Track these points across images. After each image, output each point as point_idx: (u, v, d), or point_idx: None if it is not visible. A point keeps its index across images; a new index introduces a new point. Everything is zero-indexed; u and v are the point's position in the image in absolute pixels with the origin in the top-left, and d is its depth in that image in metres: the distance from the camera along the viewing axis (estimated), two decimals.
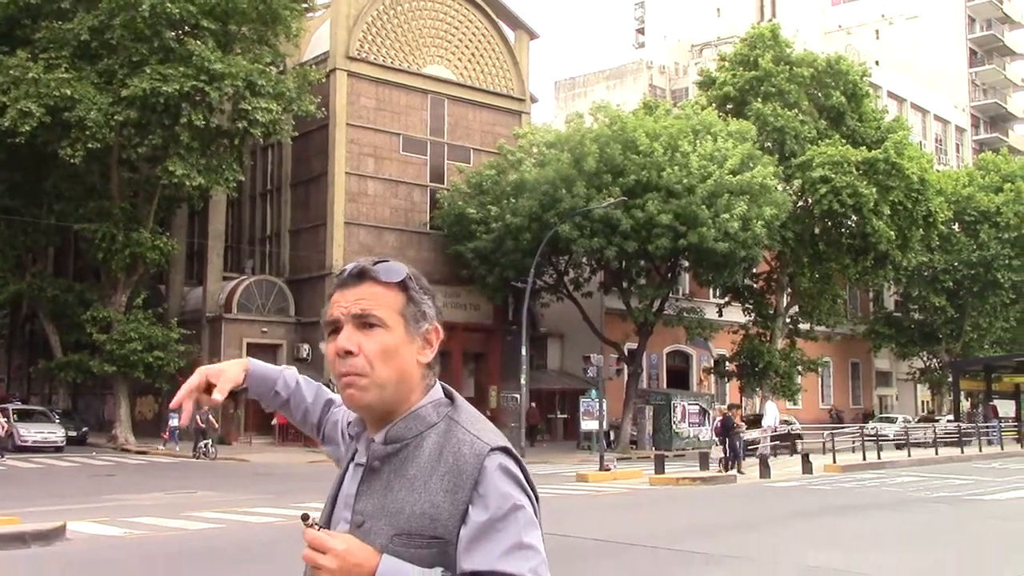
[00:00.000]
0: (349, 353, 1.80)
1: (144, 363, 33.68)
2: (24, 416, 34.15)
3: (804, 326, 44.30)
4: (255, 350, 35.99)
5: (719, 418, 28.82)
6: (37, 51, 31.44)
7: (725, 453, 27.13)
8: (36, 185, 35.78)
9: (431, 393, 1.87)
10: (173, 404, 2.09)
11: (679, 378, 46.65)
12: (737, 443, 26.98)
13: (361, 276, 1.85)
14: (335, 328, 1.83)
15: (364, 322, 1.81)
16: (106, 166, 34.34)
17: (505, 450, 1.79)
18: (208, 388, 2.08)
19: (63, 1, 31.98)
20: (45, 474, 23.44)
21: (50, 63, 30.89)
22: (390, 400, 1.82)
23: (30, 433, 32.67)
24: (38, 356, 42.72)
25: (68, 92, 30.13)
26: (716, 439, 28.48)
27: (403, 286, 1.84)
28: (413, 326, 1.82)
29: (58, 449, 32.02)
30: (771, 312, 42.76)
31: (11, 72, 30.86)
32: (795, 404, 46.75)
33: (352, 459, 1.94)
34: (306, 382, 2.25)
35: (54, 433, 33.02)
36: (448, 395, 1.94)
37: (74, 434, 34.29)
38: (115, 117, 30.94)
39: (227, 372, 2.11)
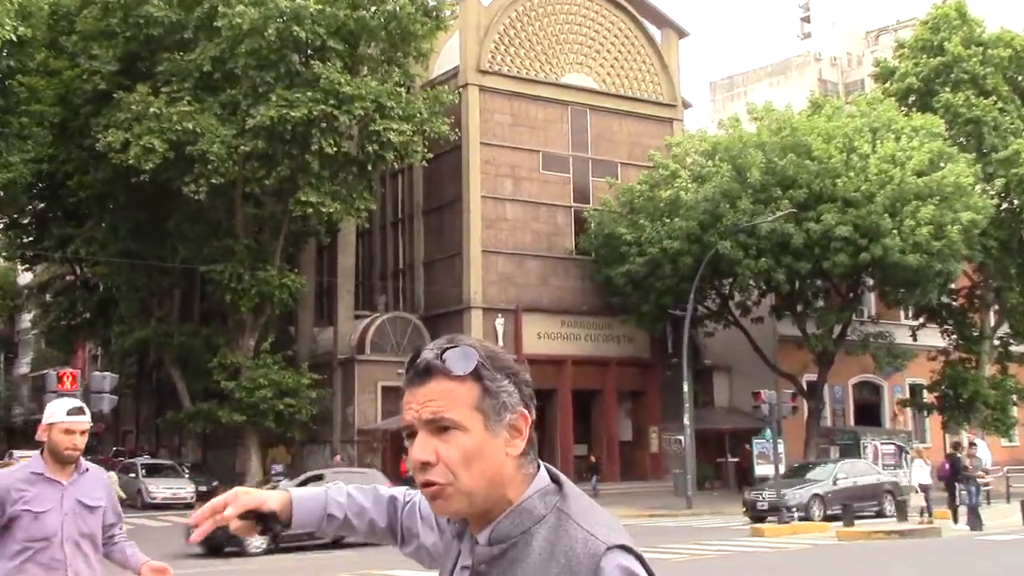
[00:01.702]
0: (427, 464, 1.81)
1: (275, 411, 34.64)
2: (153, 471, 35.81)
3: (1017, 348, 42.86)
4: (391, 394, 36.97)
5: (945, 461, 27.60)
6: (159, 85, 33.17)
7: (954, 502, 25.85)
8: (159, 226, 37.41)
9: (536, 481, 1.84)
10: (191, 520, 2.14)
11: (869, 413, 45.41)
12: (972, 489, 25.09)
13: (428, 373, 1.84)
14: (411, 432, 1.85)
15: (438, 426, 1.82)
16: (230, 201, 35.80)
17: (624, 548, 1.76)
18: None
19: (184, 31, 33.59)
20: (171, 533, 23.99)
21: (172, 96, 32.55)
22: (482, 504, 1.82)
23: (159, 489, 34.03)
24: (166, 406, 44.22)
25: (191, 126, 31.84)
26: (924, 483, 26.57)
27: (476, 376, 1.82)
28: (494, 419, 1.81)
29: (188, 506, 32.96)
30: (975, 334, 41.66)
31: (133, 108, 32.75)
32: (1011, 441, 45.20)
33: (456, 562, 1.93)
34: (360, 491, 2.22)
35: (183, 488, 34.39)
36: (555, 479, 1.91)
37: (204, 489, 35.19)
38: (239, 149, 32.28)
39: (263, 499, 2.09)
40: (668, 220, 35.63)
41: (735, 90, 63.75)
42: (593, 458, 39.15)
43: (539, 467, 1.85)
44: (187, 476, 36.25)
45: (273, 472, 32.54)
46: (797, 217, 33.04)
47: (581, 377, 39.96)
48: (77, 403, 4.88)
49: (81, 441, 4.81)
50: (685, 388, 32.60)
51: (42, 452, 4.88)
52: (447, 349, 1.83)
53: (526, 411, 1.84)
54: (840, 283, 36.24)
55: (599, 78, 42.24)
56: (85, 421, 4.80)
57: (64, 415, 4.76)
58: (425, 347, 1.87)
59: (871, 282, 36.51)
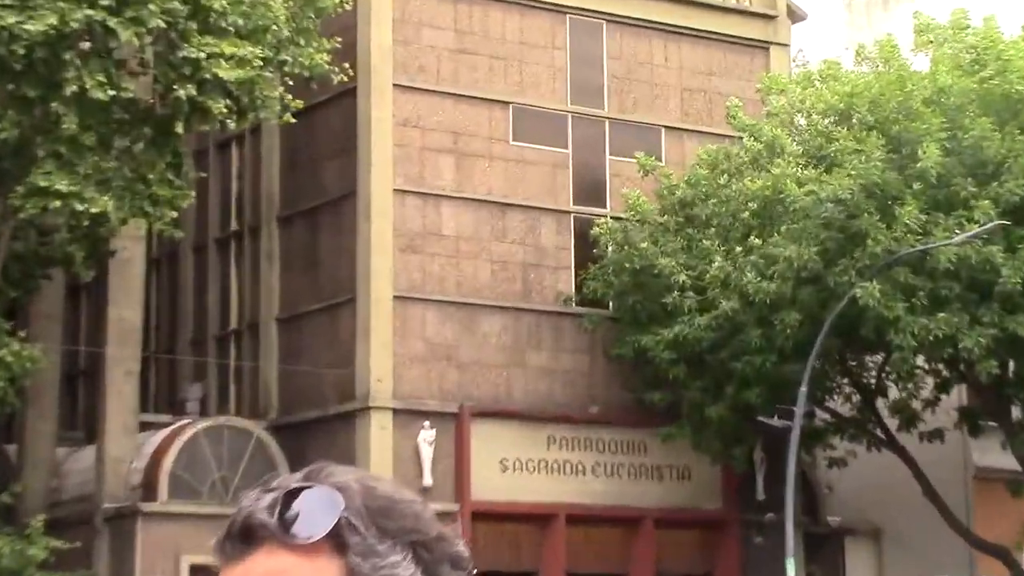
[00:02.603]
0: None
1: None
2: None
3: None
4: None
5: None
6: None
7: None
8: None
9: None
10: None
11: None
12: None
13: (250, 537, 1.83)
14: None
15: None
16: None
17: None
18: None
19: None
20: None
21: None
22: None
23: None
24: None
25: None
26: None
27: (338, 544, 1.80)
28: None
29: None
30: None
31: None
32: None
33: None
34: None
35: None
36: None
37: None
38: None
39: None
40: (758, 240, 34.20)
41: None
42: None
43: None
44: None
45: None
46: (1008, 235, 33.01)
47: (586, 548, 38.01)
48: None
49: None
50: (791, 571, 31.96)
51: None
52: (294, 493, 1.83)
53: None
54: None
55: None
56: None
57: None
58: (259, 489, 1.90)
59: None
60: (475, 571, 1.93)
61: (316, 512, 1.80)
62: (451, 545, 1.86)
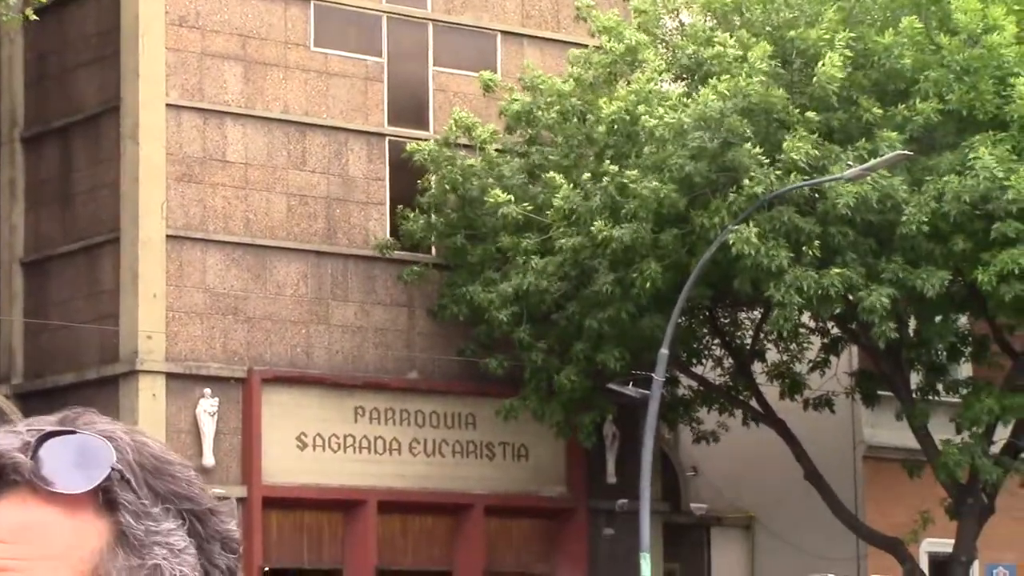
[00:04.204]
0: None
1: None
2: None
3: None
4: None
5: None
6: None
7: None
8: None
9: None
10: None
11: None
12: None
13: None
14: None
15: None
16: None
17: None
18: None
19: None
20: None
21: None
22: None
23: None
24: None
25: None
26: None
27: (109, 501, 1.58)
28: None
29: None
30: None
31: None
32: None
33: None
34: None
35: None
36: None
37: None
38: None
39: None
40: (614, 168, 32.52)
41: None
42: None
43: None
44: None
45: None
46: (911, 168, 32.47)
47: (401, 541, 37.04)
48: None
49: None
50: (645, 568, 31.44)
51: None
52: (49, 436, 1.58)
53: None
54: (1020, 323, 34.84)
55: None
56: None
57: None
58: (3, 429, 1.64)
59: None
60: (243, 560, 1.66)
61: (82, 461, 1.57)
62: (222, 522, 1.64)
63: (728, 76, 32.12)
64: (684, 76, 34.59)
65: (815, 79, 32.05)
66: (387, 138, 36.75)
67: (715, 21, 34.78)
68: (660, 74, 33.57)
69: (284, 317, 36.12)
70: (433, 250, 36.77)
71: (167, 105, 34.24)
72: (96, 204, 35.53)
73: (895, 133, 31.88)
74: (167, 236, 34.27)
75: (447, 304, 35.92)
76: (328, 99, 36.79)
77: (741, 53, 32.82)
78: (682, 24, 35.54)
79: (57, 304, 36.50)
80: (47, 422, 1.60)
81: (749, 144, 31.60)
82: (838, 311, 34.63)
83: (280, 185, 36.16)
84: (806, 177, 31.56)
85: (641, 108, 32.48)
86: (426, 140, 36.04)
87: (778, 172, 31.37)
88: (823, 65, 31.91)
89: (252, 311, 35.72)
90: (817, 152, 31.74)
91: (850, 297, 32.90)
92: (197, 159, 35.13)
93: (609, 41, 34.39)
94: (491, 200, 33.30)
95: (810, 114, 31.97)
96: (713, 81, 32.28)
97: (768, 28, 34.01)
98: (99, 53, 35.30)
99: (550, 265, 33.38)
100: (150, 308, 33.94)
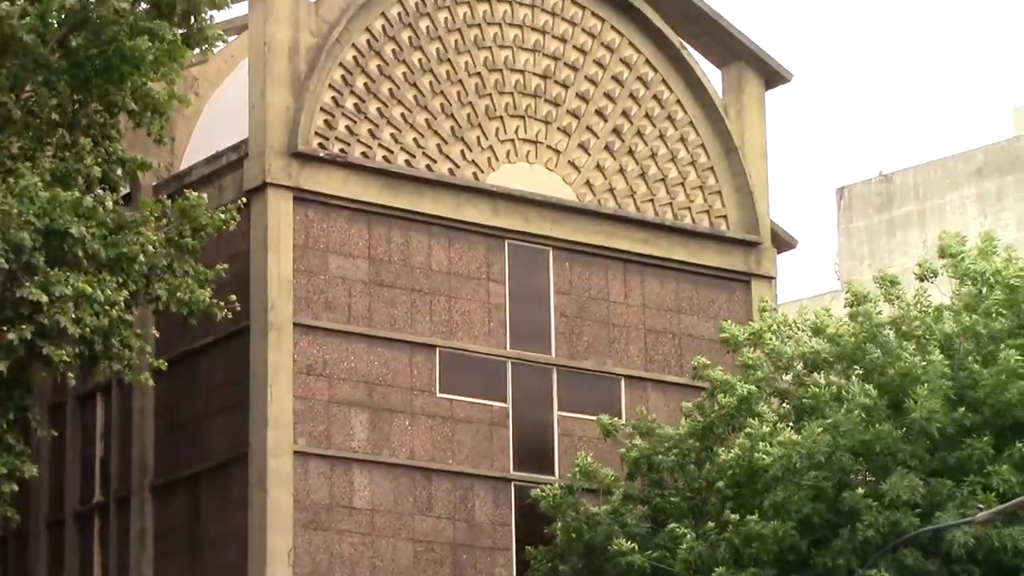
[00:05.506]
0: None
1: None
2: None
3: None
4: None
5: None
6: None
7: None
8: None
9: None
10: None
11: None
12: None
13: None
14: None
15: None
16: None
17: None
18: None
19: None
20: None
21: None
22: None
23: None
24: None
25: None
26: None
27: None
28: None
29: None
30: None
31: None
32: None
33: None
34: None
35: None
36: None
37: None
38: None
39: None
40: (735, 516, 31.50)
41: (898, 208, 57.36)
42: None
43: None
44: None
45: None
46: None
47: None
48: None
49: None
50: None
51: None
52: None
53: None
54: None
55: (572, 178, 38.44)
56: None
57: None
58: None
59: None
60: None
61: None
62: None
63: (828, 411, 31.72)
64: (792, 418, 33.73)
65: (914, 414, 30.75)
66: (512, 483, 36.19)
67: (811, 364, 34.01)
68: (775, 425, 32.57)
69: None
70: None
71: (295, 452, 33.69)
72: (224, 552, 34.58)
73: (1005, 467, 30.69)
74: None
75: None
76: (454, 444, 36.33)
77: (838, 389, 32.34)
78: (798, 376, 34.56)
79: None
80: None
81: (852, 491, 30.69)
82: None
83: (406, 531, 35.15)
84: (916, 514, 30.28)
85: (759, 449, 31.78)
86: (551, 484, 35.18)
87: (886, 512, 30.25)
88: (915, 402, 30.89)
89: None
90: (923, 489, 30.54)
91: None
92: (324, 506, 34.29)
93: (724, 397, 33.76)
94: (616, 548, 32.27)
95: (914, 449, 31.04)
96: (822, 418, 31.89)
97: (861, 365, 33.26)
98: (228, 402, 35.14)
99: None
100: None
